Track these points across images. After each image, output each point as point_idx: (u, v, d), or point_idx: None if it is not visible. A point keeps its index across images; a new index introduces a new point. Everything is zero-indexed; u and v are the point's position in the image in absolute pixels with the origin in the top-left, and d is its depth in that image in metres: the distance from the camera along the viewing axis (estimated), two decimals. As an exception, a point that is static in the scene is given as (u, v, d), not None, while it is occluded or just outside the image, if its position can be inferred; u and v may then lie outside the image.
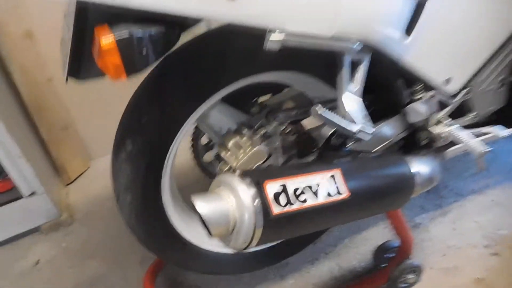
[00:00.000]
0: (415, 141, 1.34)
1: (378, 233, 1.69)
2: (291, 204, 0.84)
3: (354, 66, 1.06)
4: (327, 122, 1.05)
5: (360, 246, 1.64)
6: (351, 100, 1.09)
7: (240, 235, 0.81)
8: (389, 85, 1.28)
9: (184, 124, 1.09)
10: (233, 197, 0.81)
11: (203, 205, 0.79)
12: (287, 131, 1.26)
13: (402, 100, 1.28)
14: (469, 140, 1.20)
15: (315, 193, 0.88)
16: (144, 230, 1.19)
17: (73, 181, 2.40)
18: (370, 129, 1.10)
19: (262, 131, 1.25)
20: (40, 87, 2.18)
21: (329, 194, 0.90)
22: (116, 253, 1.82)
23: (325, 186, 0.90)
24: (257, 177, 0.83)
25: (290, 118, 1.26)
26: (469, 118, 1.38)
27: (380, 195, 1.03)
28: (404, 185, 1.05)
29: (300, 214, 0.85)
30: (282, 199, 0.83)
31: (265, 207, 0.80)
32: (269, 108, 1.30)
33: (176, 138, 1.10)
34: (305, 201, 0.86)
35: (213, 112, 1.28)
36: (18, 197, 1.90)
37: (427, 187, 1.11)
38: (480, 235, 1.59)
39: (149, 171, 1.11)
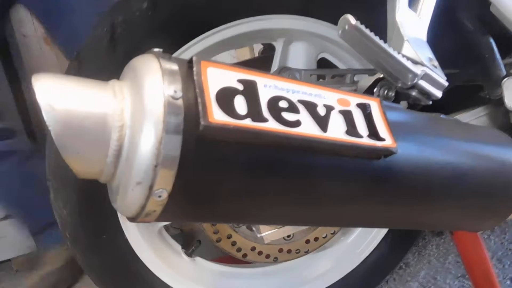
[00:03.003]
0: None
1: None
2: (259, 118, 0.36)
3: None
4: (367, 52, 0.59)
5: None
6: (411, 26, 0.63)
7: (129, 170, 0.34)
8: (473, 50, 0.81)
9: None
10: (128, 88, 0.37)
11: (52, 88, 0.34)
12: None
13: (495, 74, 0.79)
14: None
15: (321, 120, 0.40)
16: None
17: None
18: (443, 77, 0.62)
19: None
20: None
21: (350, 132, 0.41)
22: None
23: (343, 115, 0.42)
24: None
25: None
26: None
27: (467, 186, 0.51)
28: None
29: (275, 151, 0.37)
30: (240, 105, 0.36)
31: (193, 109, 0.34)
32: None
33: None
34: (295, 124, 0.38)
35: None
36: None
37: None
38: None
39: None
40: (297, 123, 0.38)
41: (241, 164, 0.37)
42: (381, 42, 0.58)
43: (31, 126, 1.85)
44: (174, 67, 0.36)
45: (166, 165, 0.34)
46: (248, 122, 0.36)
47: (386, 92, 0.64)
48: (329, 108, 0.42)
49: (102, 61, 0.75)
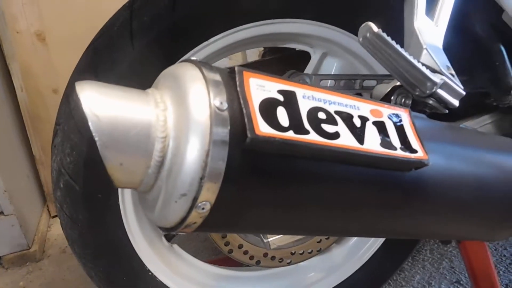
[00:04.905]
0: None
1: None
2: (301, 130, 0.36)
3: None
4: (386, 60, 0.60)
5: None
6: (428, 33, 0.64)
7: (172, 182, 0.34)
8: (483, 57, 0.82)
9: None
10: (169, 98, 0.36)
11: (97, 98, 0.33)
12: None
13: (505, 82, 0.81)
14: None
15: (357, 132, 0.40)
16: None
17: (62, 213, 1.99)
18: (460, 86, 0.63)
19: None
20: (43, 96, 1.90)
21: (384, 144, 0.42)
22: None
23: (377, 127, 0.43)
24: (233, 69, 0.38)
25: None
26: None
27: (491, 196, 0.52)
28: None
29: (317, 164, 0.37)
30: (282, 116, 0.36)
31: (238, 121, 0.34)
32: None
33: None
34: (334, 136, 0.38)
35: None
36: (-21, 213, 1.53)
37: None
38: None
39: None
40: (336, 135, 0.39)
41: (283, 176, 0.37)
42: (402, 51, 0.59)
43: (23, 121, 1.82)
44: (217, 77, 0.36)
45: (212, 177, 0.33)
46: (291, 134, 0.36)
47: (403, 100, 0.65)
48: (363, 120, 0.42)
49: (119, 53, 0.73)
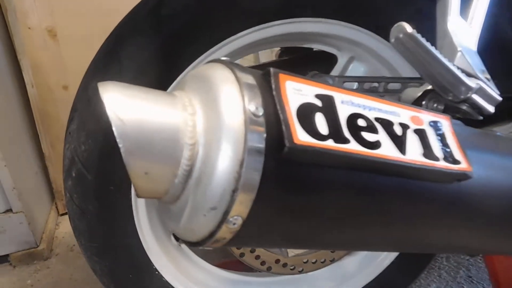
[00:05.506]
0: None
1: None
2: (341, 139, 0.33)
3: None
4: (419, 63, 0.56)
5: None
6: (462, 35, 0.61)
7: (201, 193, 0.31)
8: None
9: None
10: (198, 101, 0.33)
11: (122, 101, 0.30)
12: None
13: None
14: None
15: (398, 141, 0.37)
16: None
17: (70, 211, 1.97)
18: (496, 91, 0.60)
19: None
20: (53, 93, 1.89)
21: (427, 154, 0.38)
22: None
23: (418, 135, 0.39)
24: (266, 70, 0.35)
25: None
26: None
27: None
28: None
29: (359, 175, 0.34)
30: (320, 123, 0.33)
31: (275, 128, 0.31)
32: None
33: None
34: (375, 145, 0.35)
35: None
36: (-13, 211, 1.51)
37: None
38: None
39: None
40: (377, 145, 0.35)
41: (321, 188, 0.34)
42: (437, 53, 0.56)
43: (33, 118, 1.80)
44: (251, 79, 0.33)
45: (246, 190, 0.30)
46: (331, 144, 0.33)
47: (435, 105, 0.62)
48: (404, 127, 0.39)
49: (144, 40, 0.69)
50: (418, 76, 0.74)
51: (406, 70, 0.86)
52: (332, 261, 0.99)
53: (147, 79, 0.70)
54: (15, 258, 1.61)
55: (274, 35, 0.76)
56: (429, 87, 0.62)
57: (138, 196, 0.33)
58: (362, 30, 0.81)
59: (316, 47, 0.88)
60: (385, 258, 1.05)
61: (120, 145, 0.29)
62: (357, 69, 0.90)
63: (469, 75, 0.59)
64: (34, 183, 1.79)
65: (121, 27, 0.73)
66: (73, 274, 1.56)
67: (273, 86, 0.33)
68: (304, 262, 0.96)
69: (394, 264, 1.05)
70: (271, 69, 0.33)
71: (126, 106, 0.30)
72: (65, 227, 1.87)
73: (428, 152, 0.39)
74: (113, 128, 0.29)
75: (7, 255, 1.61)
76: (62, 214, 1.97)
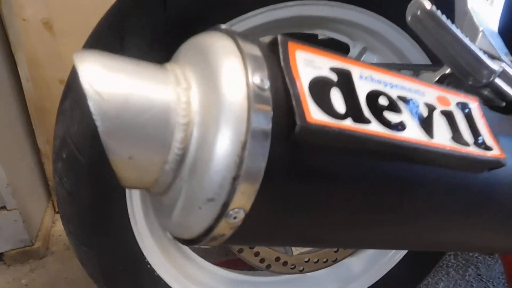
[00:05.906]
0: None
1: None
2: (361, 119, 0.28)
3: None
4: (438, 43, 0.51)
5: None
6: (483, 14, 0.55)
7: (196, 182, 0.26)
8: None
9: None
10: (194, 74, 0.28)
11: (100, 72, 0.25)
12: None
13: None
14: None
15: (425, 123, 0.32)
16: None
17: (67, 208, 1.93)
18: (522, 75, 0.54)
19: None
20: (49, 87, 1.84)
21: (456, 139, 0.33)
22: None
23: (446, 117, 0.34)
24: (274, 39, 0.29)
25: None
26: None
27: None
28: None
29: (380, 158, 0.29)
30: (337, 100, 0.28)
31: (283, 105, 0.26)
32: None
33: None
34: (400, 127, 0.30)
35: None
36: (-19, 208, 1.46)
37: None
38: None
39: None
40: (402, 126, 0.30)
41: (338, 175, 0.29)
42: (458, 32, 0.50)
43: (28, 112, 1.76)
44: (256, 49, 0.28)
45: (249, 177, 0.25)
46: (350, 124, 0.28)
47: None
48: (431, 108, 0.34)
49: (149, 18, 0.65)
50: (431, 63, 0.69)
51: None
52: (335, 261, 0.94)
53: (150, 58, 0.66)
54: (10, 257, 1.57)
55: (286, 17, 0.72)
56: (447, 71, 0.57)
57: (122, 186, 0.28)
58: (380, 18, 0.76)
59: (329, 34, 0.82)
60: (391, 258, 1.00)
61: (97, 124, 0.24)
62: (369, 61, 0.85)
63: (492, 57, 0.54)
64: (29, 180, 1.74)
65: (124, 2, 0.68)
66: (70, 273, 1.52)
67: (281, 56, 0.28)
68: (306, 261, 0.91)
69: (401, 265, 1.01)
70: (279, 37, 0.28)
71: (106, 79, 0.25)
72: (61, 225, 1.82)
73: (457, 136, 0.34)
74: (89, 104, 0.24)
75: (2, 254, 1.57)
76: (59, 212, 1.92)
